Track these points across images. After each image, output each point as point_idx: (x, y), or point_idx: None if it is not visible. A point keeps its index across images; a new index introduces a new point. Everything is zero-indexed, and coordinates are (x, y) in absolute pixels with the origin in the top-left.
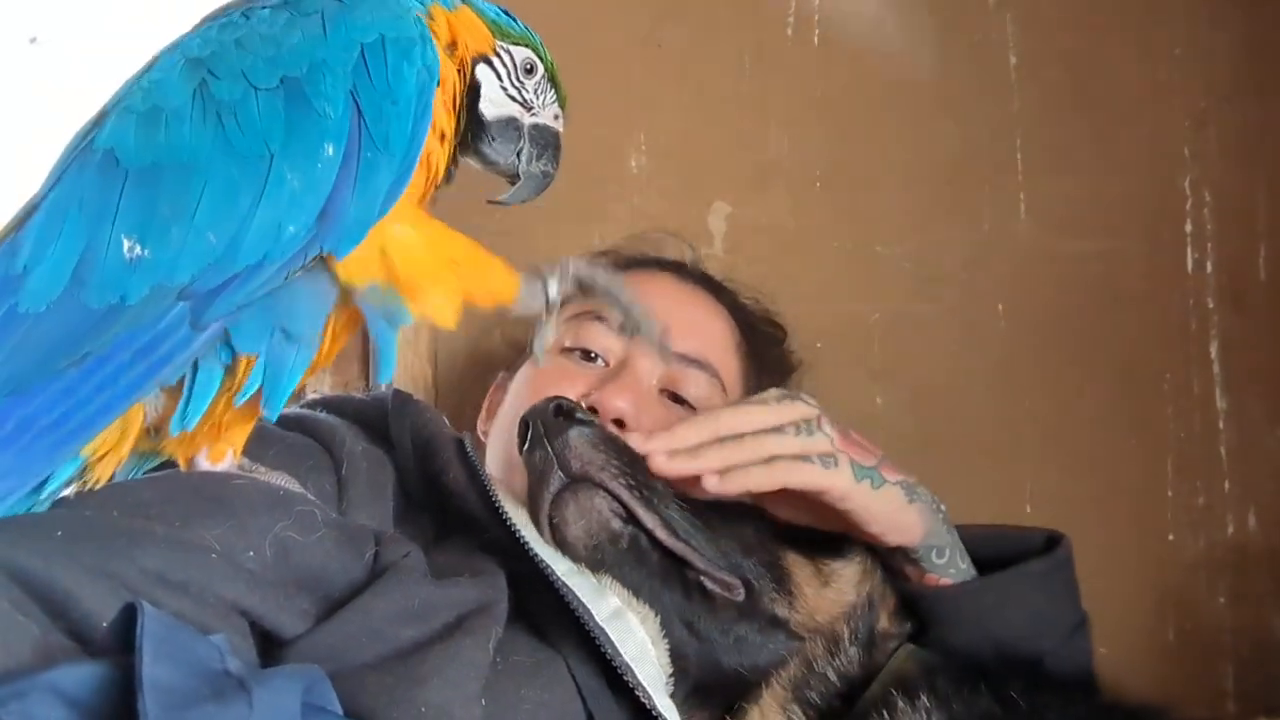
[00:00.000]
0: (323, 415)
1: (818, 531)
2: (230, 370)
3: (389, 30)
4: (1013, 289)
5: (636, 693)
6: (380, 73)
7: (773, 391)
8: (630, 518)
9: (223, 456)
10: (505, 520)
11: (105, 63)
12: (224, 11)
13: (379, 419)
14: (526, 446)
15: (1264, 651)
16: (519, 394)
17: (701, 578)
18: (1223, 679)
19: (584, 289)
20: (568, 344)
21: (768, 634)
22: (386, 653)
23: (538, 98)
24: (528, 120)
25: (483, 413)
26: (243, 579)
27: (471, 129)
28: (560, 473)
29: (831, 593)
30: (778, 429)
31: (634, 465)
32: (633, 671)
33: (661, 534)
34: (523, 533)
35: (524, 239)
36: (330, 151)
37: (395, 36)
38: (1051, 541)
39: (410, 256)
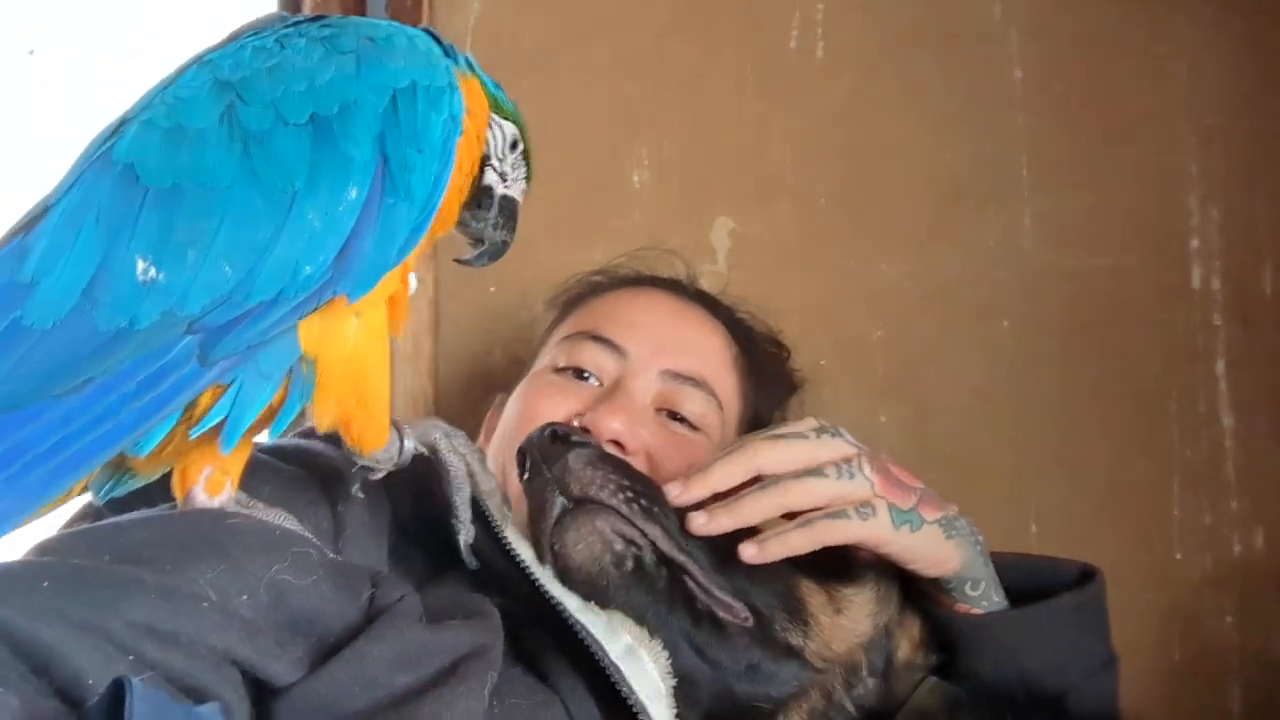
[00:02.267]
0: (320, 446)
1: (827, 552)
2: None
3: (421, 77)
4: (1018, 306)
5: None
6: (410, 120)
7: (809, 421)
8: (633, 538)
9: (220, 489)
10: (513, 556)
11: (102, 75)
12: (255, 30)
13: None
14: (526, 476)
15: (1271, 671)
16: (513, 415)
17: (709, 602)
18: (1229, 699)
19: (432, 454)
20: (561, 364)
21: (782, 663)
22: (381, 700)
23: (514, 171)
24: (500, 190)
25: (481, 435)
26: (234, 628)
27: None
28: (561, 498)
29: (846, 620)
30: (817, 470)
31: (633, 479)
32: (648, 712)
33: (664, 544)
34: (532, 569)
35: (526, 254)
36: (354, 194)
37: (427, 85)
38: (1085, 575)
39: (342, 364)
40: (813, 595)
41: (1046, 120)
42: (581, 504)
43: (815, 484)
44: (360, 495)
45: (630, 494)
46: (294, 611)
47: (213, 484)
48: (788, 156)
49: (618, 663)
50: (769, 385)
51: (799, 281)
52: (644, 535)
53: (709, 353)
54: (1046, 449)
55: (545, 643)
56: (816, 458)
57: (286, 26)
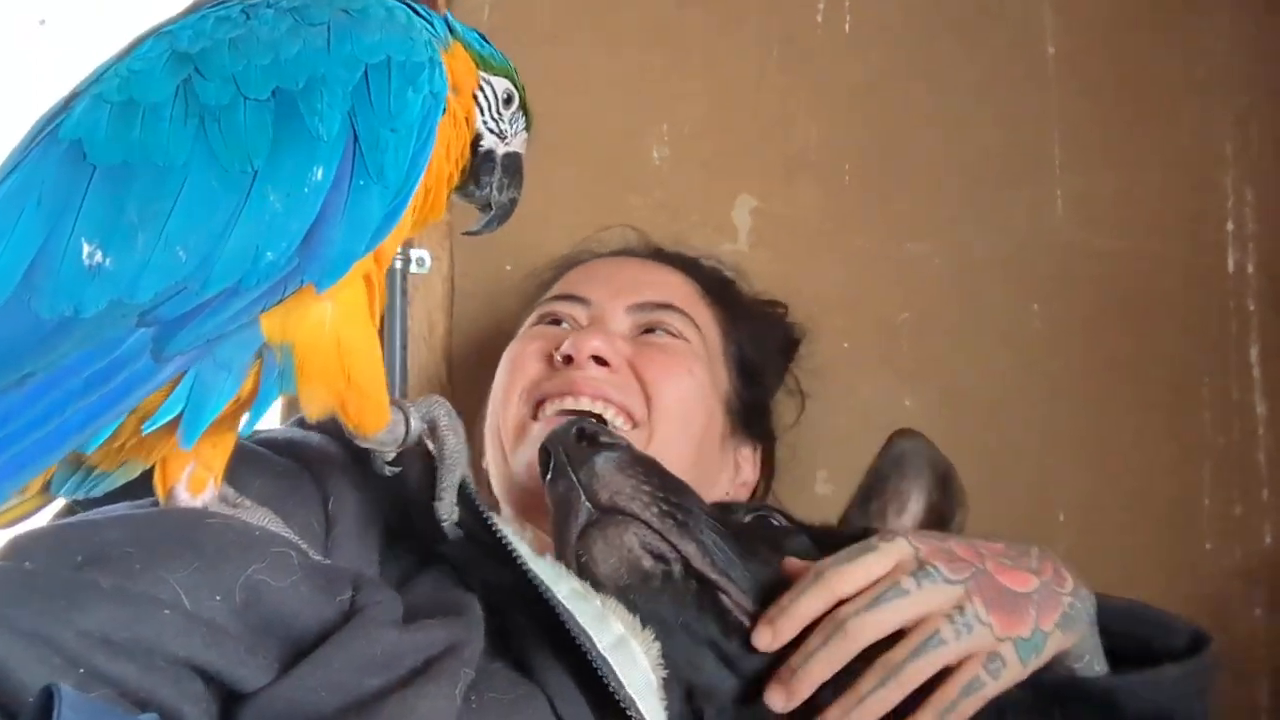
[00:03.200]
0: (315, 437)
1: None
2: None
3: (397, 52)
4: (1048, 289)
5: None
6: (382, 96)
7: (893, 549)
8: (665, 553)
9: (203, 486)
10: (499, 536)
11: (113, 45)
12: (222, 1)
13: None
14: (550, 477)
15: None
16: (504, 372)
17: (743, 617)
18: (1258, 692)
19: (433, 432)
20: (537, 318)
21: None
22: (347, 704)
23: (511, 126)
24: (501, 149)
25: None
26: (198, 633)
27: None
28: (588, 504)
29: None
30: (934, 639)
31: (667, 486)
32: (636, 706)
33: (699, 563)
34: (519, 553)
35: (543, 231)
36: (319, 175)
37: (403, 60)
38: (1197, 639)
39: (323, 348)
40: None
41: (1079, 98)
42: (610, 513)
43: (936, 656)
44: (389, 471)
45: (664, 506)
46: (270, 613)
47: (195, 481)
48: (812, 133)
49: (606, 655)
50: (746, 320)
51: (822, 262)
52: (677, 551)
53: (670, 285)
54: (1075, 435)
55: (530, 631)
56: (925, 612)
57: None
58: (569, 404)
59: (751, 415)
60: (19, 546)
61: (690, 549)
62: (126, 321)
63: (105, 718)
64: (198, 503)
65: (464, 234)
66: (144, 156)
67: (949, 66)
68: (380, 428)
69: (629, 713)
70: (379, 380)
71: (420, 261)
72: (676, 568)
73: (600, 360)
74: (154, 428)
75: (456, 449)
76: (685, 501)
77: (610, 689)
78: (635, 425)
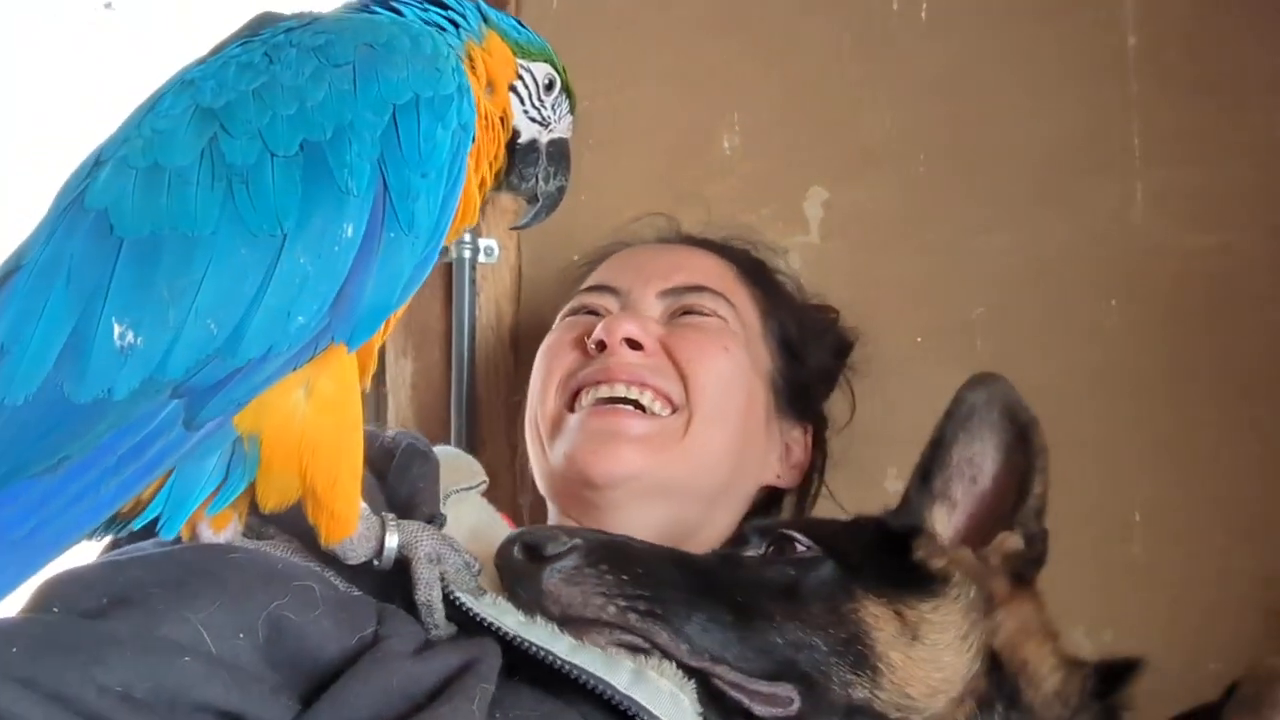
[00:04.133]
0: None
1: (889, 558)
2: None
3: (424, 89)
4: (1126, 284)
5: None
6: (411, 140)
7: None
8: (635, 641)
9: (226, 522)
10: (487, 624)
11: (178, 27)
12: (245, 38)
13: (383, 472)
14: (510, 591)
15: None
16: (539, 365)
17: (741, 698)
18: None
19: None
20: (569, 311)
21: None
22: None
23: (554, 112)
24: (545, 138)
25: None
26: (219, 679)
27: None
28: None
29: (924, 650)
30: None
31: (631, 579)
32: None
33: (676, 652)
34: (506, 625)
35: (611, 221)
36: (349, 232)
37: (431, 96)
38: None
39: (287, 444)
40: (881, 624)
41: (1160, 89)
42: (569, 623)
43: None
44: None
45: (623, 602)
46: (293, 649)
47: (218, 519)
48: (886, 123)
49: (628, 693)
50: (784, 300)
51: (895, 255)
52: (650, 641)
53: (703, 268)
54: (1153, 435)
55: (547, 675)
56: None
57: (279, 33)
58: (604, 391)
59: (797, 395)
60: (46, 592)
61: (662, 639)
62: (160, 396)
63: None
64: (221, 539)
65: (511, 228)
66: (172, 226)
67: (1026, 56)
68: (337, 538)
69: None
70: (341, 485)
71: (489, 251)
72: (654, 658)
73: (634, 344)
74: (142, 524)
75: (425, 582)
76: (659, 589)
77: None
78: (674, 409)
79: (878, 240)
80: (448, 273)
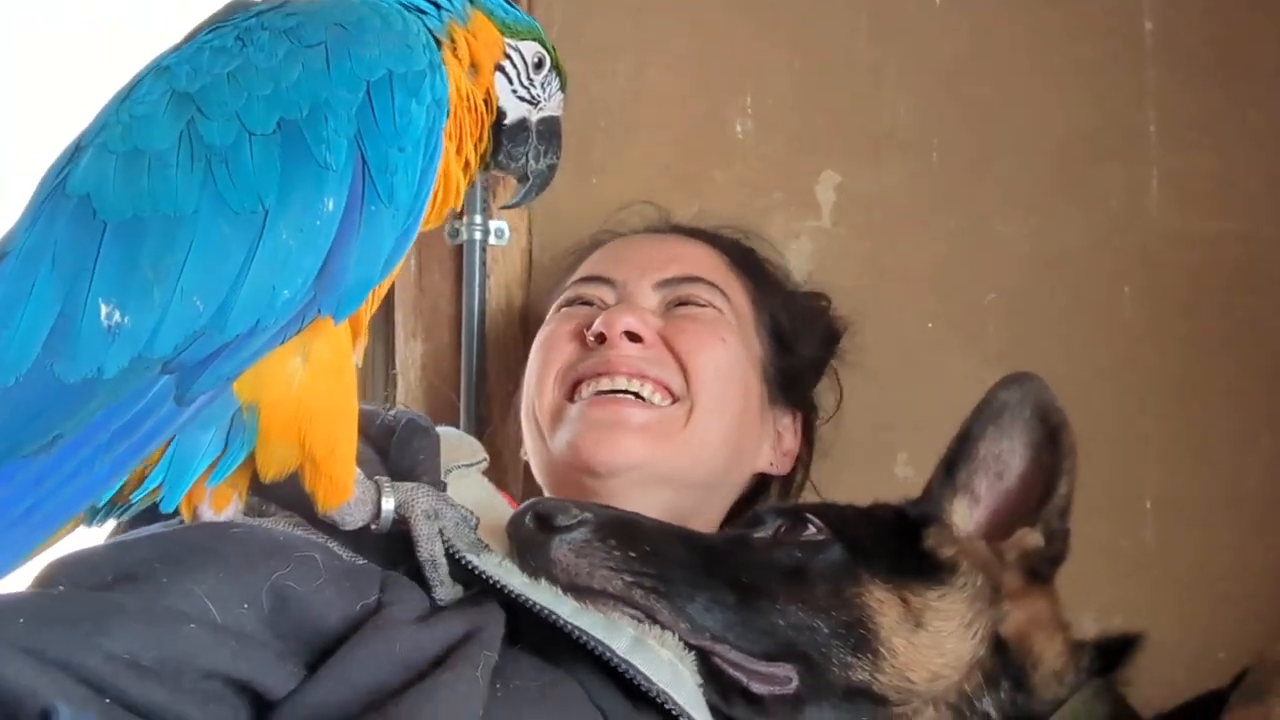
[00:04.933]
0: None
1: (899, 545)
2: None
3: (397, 65)
4: (1141, 272)
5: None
6: (387, 115)
7: None
8: (638, 615)
9: (227, 502)
10: (493, 582)
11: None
12: (216, 24)
13: (385, 449)
14: (520, 558)
15: None
16: (536, 356)
17: (739, 676)
18: None
19: (405, 520)
20: (564, 302)
21: (842, 709)
22: (371, 702)
23: (544, 90)
24: (535, 116)
25: None
26: (226, 646)
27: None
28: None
29: (926, 636)
30: None
31: (639, 556)
32: (672, 699)
33: (682, 631)
34: (511, 585)
35: (621, 204)
36: (330, 206)
37: (404, 72)
38: None
39: (285, 411)
40: (885, 609)
41: (1177, 76)
42: (574, 592)
43: None
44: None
45: (630, 576)
46: (297, 618)
47: (218, 498)
48: (901, 108)
49: (627, 657)
50: (776, 289)
51: (908, 241)
52: (651, 618)
53: (695, 258)
54: (1166, 426)
55: (550, 639)
56: None
57: (250, 17)
58: (605, 384)
59: (789, 383)
60: (52, 571)
61: (665, 615)
62: (150, 373)
63: None
64: (222, 519)
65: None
66: (154, 208)
67: (1043, 42)
68: (335, 504)
69: (667, 706)
70: (339, 451)
71: (499, 234)
72: (656, 628)
73: (634, 336)
74: (142, 495)
75: (425, 538)
76: (665, 568)
77: (641, 687)
78: (675, 399)
79: (890, 226)
80: (458, 255)
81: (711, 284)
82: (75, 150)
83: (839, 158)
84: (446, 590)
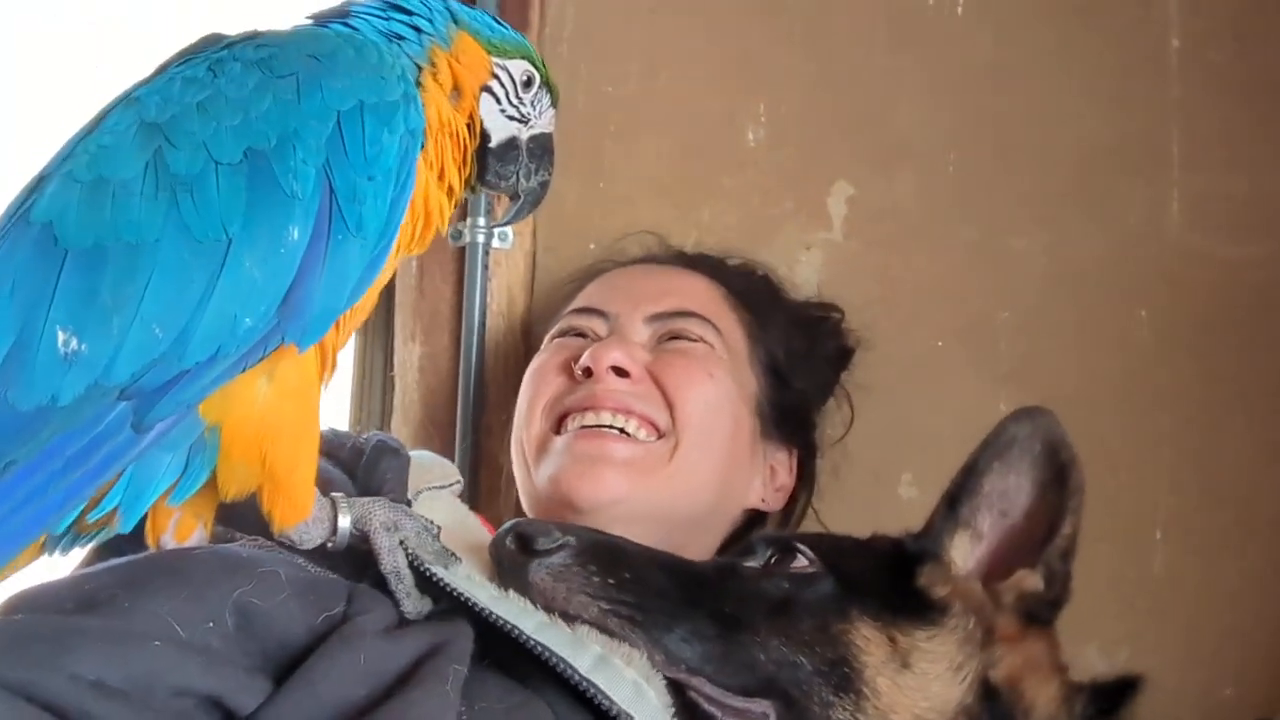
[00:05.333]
0: (321, 463)
1: (892, 582)
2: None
3: (369, 95)
4: (1158, 294)
5: None
6: (357, 145)
7: None
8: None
9: (190, 532)
10: (455, 594)
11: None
12: (188, 56)
13: (355, 471)
14: (499, 578)
15: None
16: (526, 387)
17: (714, 711)
18: None
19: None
20: (557, 332)
21: None
22: (339, 717)
23: (534, 108)
24: (525, 135)
25: None
26: (193, 662)
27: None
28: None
29: (912, 679)
30: None
31: (617, 583)
32: (633, 717)
33: (658, 661)
34: (476, 598)
35: (629, 211)
36: (295, 235)
37: (375, 102)
38: None
39: (247, 431)
40: (871, 648)
41: (1202, 94)
42: (559, 615)
43: None
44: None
45: (607, 602)
46: (262, 633)
47: (182, 528)
48: (916, 120)
49: (589, 676)
50: (779, 322)
51: (920, 255)
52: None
53: (691, 291)
54: (1179, 451)
55: (518, 656)
56: None
57: (222, 49)
58: (590, 419)
59: (784, 419)
60: (14, 603)
61: (640, 645)
62: (106, 400)
63: None
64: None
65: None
66: (115, 236)
67: (1064, 54)
68: (291, 522)
69: None
70: (299, 471)
71: (503, 237)
72: (626, 646)
73: (620, 371)
74: (99, 516)
75: (386, 552)
76: (644, 596)
77: (602, 706)
78: (660, 435)
79: (902, 239)
80: (460, 257)
81: (704, 318)
82: (40, 180)
83: (852, 168)
84: (413, 603)
